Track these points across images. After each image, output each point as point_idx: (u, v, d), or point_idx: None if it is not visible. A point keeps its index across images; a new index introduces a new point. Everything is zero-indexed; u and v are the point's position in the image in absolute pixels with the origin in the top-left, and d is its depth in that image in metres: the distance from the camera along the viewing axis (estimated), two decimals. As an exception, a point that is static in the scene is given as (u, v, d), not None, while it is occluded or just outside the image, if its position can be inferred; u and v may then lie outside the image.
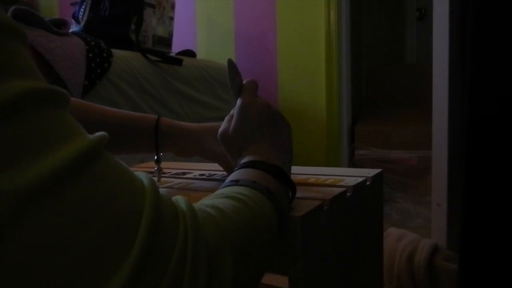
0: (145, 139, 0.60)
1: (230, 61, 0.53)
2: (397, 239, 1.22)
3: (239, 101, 0.50)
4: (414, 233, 1.25)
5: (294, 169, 0.67)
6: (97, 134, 0.26)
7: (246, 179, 0.39)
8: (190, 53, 1.86)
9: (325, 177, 0.59)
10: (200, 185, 0.60)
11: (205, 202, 0.34)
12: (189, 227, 0.27)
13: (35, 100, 0.22)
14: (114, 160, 0.26)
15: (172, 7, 1.78)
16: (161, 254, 0.24)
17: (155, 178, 0.64)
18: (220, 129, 0.50)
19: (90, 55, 1.21)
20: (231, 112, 0.50)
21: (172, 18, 1.78)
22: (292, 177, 0.47)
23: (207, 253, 0.27)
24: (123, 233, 0.23)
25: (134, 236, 0.23)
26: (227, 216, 0.32)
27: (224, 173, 0.68)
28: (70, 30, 1.39)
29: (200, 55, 2.15)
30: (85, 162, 0.23)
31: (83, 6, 1.49)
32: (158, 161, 0.63)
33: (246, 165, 0.42)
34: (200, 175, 0.68)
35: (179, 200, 0.30)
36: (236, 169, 0.43)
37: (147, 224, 0.24)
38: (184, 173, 0.70)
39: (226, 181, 0.40)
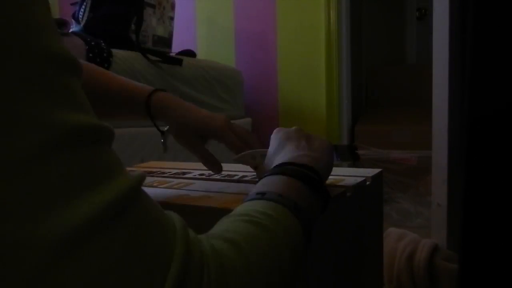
0: (139, 110, 0.60)
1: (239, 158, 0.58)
2: (397, 239, 1.22)
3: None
4: (414, 233, 1.25)
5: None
6: (136, 174, 0.26)
7: (273, 191, 0.37)
8: (190, 53, 1.86)
9: (325, 177, 0.59)
10: (200, 185, 0.60)
11: (222, 229, 0.32)
12: (211, 278, 0.26)
13: (86, 136, 0.23)
14: (149, 200, 0.26)
15: (172, 7, 1.78)
16: None
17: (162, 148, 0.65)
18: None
19: (90, 55, 1.21)
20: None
21: (172, 18, 1.78)
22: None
23: None
24: (154, 278, 0.23)
25: (163, 282, 0.23)
26: (242, 253, 0.30)
27: (224, 173, 0.68)
28: (70, 30, 1.39)
29: (200, 55, 2.15)
30: (126, 204, 0.23)
31: (83, 6, 1.49)
32: (162, 133, 0.63)
33: (276, 172, 0.41)
34: (200, 175, 0.68)
35: (203, 240, 0.29)
36: (266, 175, 0.41)
37: (176, 270, 0.24)
38: (184, 173, 0.70)
39: (253, 191, 0.39)
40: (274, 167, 0.42)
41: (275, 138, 0.51)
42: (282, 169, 0.41)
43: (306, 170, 0.41)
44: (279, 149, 0.47)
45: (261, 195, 0.36)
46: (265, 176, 0.41)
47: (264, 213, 0.34)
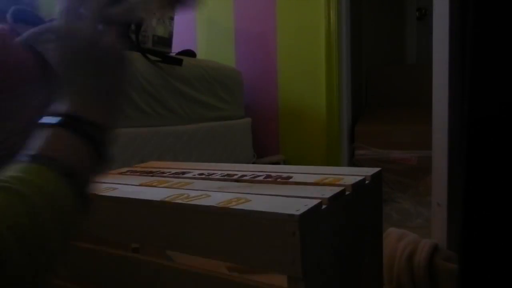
0: None
1: None
2: (397, 239, 1.22)
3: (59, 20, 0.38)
4: (414, 233, 1.25)
5: (293, 168, 0.67)
6: None
7: (46, 155, 0.34)
8: (190, 53, 1.86)
9: (323, 176, 0.59)
10: (199, 185, 0.60)
11: None
12: None
13: None
14: None
15: (172, 7, 1.78)
16: None
17: None
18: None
19: (90, 55, 1.21)
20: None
21: (172, 18, 1.78)
22: (292, 176, 0.46)
23: None
24: None
25: None
26: None
27: (224, 172, 0.68)
28: (70, 30, 1.38)
29: (200, 55, 2.15)
30: None
31: (83, 6, 1.49)
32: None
33: (57, 123, 0.36)
34: (200, 174, 0.68)
35: None
36: (46, 125, 0.36)
37: None
38: (183, 173, 0.70)
39: (25, 152, 0.34)
40: (58, 115, 0.36)
41: (65, 49, 0.39)
42: (64, 121, 0.36)
43: (90, 127, 0.36)
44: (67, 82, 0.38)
45: (31, 158, 0.33)
46: (46, 125, 0.36)
47: (24, 179, 0.31)
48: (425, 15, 2.95)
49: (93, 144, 0.36)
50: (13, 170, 0.32)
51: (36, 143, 0.35)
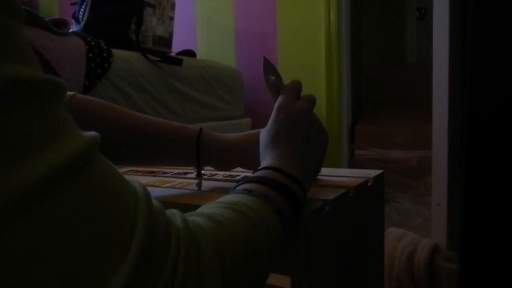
0: (185, 152, 0.57)
1: (265, 60, 0.51)
2: (397, 239, 1.22)
3: (277, 102, 0.49)
4: (414, 233, 1.25)
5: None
6: (89, 135, 0.23)
7: (260, 191, 0.37)
8: (190, 53, 1.86)
9: (326, 178, 0.59)
10: (202, 185, 0.60)
11: (204, 212, 0.32)
12: (181, 246, 0.25)
13: (24, 92, 0.20)
14: (106, 164, 0.24)
15: (172, 7, 1.78)
16: (152, 269, 0.23)
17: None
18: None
19: (90, 55, 1.21)
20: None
21: (172, 18, 1.78)
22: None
23: (196, 274, 0.25)
24: (116, 244, 0.22)
25: (128, 247, 0.22)
26: (223, 228, 0.30)
27: (226, 173, 0.68)
28: (70, 30, 1.39)
29: (200, 55, 2.15)
30: (74, 169, 0.21)
31: (83, 6, 1.49)
32: (199, 175, 0.60)
33: (260, 180, 0.40)
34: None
35: (176, 214, 0.29)
36: (251, 180, 0.40)
37: (141, 235, 0.23)
38: (185, 173, 0.70)
39: (238, 187, 0.39)
40: (261, 169, 0.42)
41: (275, 121, 0.48)
42: (266, 179, 0.40)
43: (289, 182, 0.40)
44: (272, 144, 0.46)
45: (248, 192, 0.37)
46: (252, 176, 0.41)
47: (247, 205, 0.34)
48: (425, 15, 2.95)
49: (291, 194, 0.39)
50: (242, 199, 0.35)
51: (251, 185, 0.38)
